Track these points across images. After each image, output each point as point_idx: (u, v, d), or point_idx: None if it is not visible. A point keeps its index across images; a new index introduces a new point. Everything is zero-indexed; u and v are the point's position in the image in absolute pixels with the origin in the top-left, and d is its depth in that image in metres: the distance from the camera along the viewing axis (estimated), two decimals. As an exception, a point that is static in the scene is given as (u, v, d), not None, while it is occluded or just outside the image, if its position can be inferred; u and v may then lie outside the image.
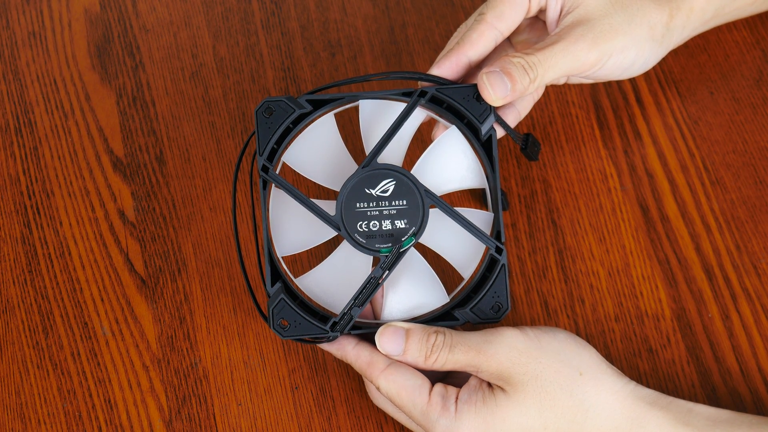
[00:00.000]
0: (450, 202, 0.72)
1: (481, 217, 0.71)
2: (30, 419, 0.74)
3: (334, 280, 0.70)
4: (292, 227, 0.70)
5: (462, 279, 0.71)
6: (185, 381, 0.75)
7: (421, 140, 0.78)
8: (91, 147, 0.82)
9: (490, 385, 0.67)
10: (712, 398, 0.74)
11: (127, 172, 0.81)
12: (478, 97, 0.70)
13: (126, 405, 0.74)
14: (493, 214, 0.71)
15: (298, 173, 0.71)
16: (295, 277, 0.70)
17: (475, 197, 0.79)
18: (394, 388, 0.67)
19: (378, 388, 0.68)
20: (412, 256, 0.70)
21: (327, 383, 0.75)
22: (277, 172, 0.70)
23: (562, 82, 0.76)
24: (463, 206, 0.76)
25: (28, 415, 0.74)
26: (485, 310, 0.69)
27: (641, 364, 0.75)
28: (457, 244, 0.70)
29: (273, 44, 0.85)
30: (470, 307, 0.69)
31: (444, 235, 0.70)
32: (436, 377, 0.70)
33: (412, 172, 0.70)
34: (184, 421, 0.74)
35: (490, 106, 0.70)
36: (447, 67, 0.71)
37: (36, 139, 0.82)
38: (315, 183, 0.73)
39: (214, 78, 0.84)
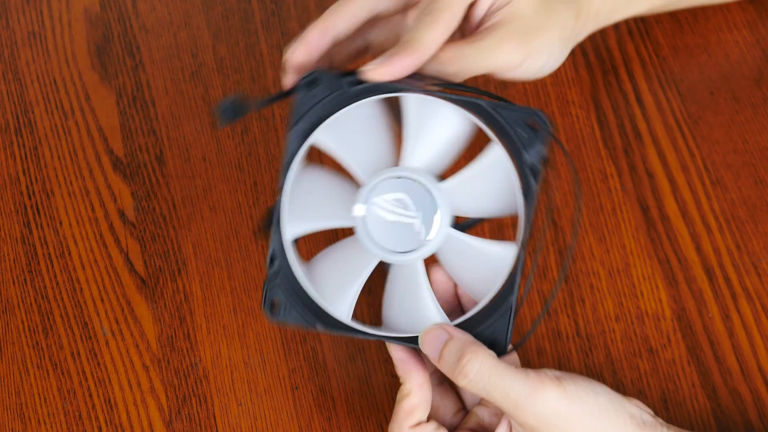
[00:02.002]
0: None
1: (501, 247, 0.66)
2: (30, 419, 0.74)
3: (335, 271, 0.67)
4: (306, 206, 0.66)
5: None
6: (185, 381, 0.75)
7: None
8: (91, 147, 0.82)
9: None
10: (713, 398, 0.74)
11: (127, 172, 0.81)
12: (533, 123, 0.64)
13: (126, 405, 0.74)
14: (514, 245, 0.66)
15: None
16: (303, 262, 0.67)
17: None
18: None
19: None
20: (418, 271, 0.67)
21: (327, 383, 0.75)
22: (302, 151, 0.65)
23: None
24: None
25: (28, 415, 0.74)
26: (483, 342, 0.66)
27: (641, 363, 0.75)
28: (473, 274, 0.67)
29: (273, 44, 0.85)
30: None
31: (455, 262, 0.67)
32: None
33: (445, 185, 0.66)
34: (184, 421, 0.74)
35: (542, 139, 0.64)
36: (401, 65, 0.66)
37: (36, 139, 0.82)
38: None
39: (214, 78, 0.84)
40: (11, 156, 0.82)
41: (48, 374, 0.75)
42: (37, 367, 0.75)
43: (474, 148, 0.67)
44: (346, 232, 0.68)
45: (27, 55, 0.85)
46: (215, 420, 0.74)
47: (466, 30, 0.72)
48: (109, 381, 0.75)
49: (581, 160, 0.80)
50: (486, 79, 0.82)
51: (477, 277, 0.67)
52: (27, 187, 0.81)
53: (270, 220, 0.66)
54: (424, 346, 0.65)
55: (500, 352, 0.65)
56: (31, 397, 0.75)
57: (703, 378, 0.74)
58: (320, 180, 0.67)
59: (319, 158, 0.71)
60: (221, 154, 0.81)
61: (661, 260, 0.77)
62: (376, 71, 0.65)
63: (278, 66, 0.84)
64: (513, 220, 0.78)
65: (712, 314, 0.76)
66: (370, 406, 0.74)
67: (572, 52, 0.83)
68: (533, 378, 0.63)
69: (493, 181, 0.66)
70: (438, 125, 0.66)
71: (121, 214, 0.80)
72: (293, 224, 0.66)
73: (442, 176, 0.66)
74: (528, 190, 0.64)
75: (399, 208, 0.65)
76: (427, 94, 0.66)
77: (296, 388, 0.75)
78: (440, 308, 0.67)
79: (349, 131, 0.66)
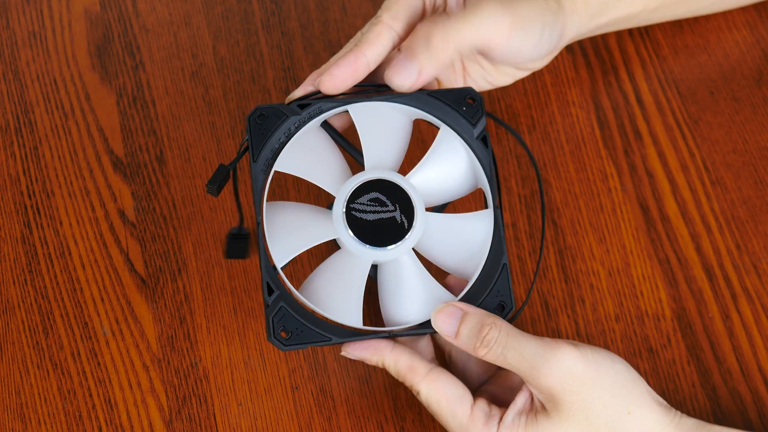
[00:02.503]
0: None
1: (478, 217, 0.70)
2: (30, 419, 0.74)
3: (333, 285, 0.69)
4: (286, 232, 0.70)
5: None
6: (185, 381, 0.75)
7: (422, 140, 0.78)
8: (91, 147, 0.82)
9: (533, 406, 0.66)
10: (713, 398, 0.74)
11: (127, 172, 0.81)
12: (472, 99, 0.70)
13: (126, 405, 0.74)
14: (490, 210, 0.70)
15: (295, 177, 0.71)
16: (294, 286, 0.69)
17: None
18: (435, 396, 0.66)
19: (418, 394, 0.67)
20: (406, 263, 0.70)
21: (327, 383, 0.75)
22: (269, 179, 0.69)
23: (469, 73, 0.75)
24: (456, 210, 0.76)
25: (28, 415, 0.74)
26: (489, 311, 0.69)
27: (641, 363, 0.75)
28: (455, 251, 0.70)
29: (273, 44, 0.85)
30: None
31: (440, 243, 0.70)
32: (484, 372, 0.70)
33: (411, 179, 0.69)
34: (184, 421, 0.74)
35: (482, 109, 0.70)
36: (345, 66, 0.69)
37: (36, 139, 0.82)
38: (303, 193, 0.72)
39: (214, 78, 0.84)
40: (11, 156, 0.82)
41: (48, 374, 0.75)
42: (37, 367, 0.75)
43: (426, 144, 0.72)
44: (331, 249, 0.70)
45: (27, 55, 0.85)
46: (215, 420, 0.74)
47: None
48: (109, 381, 0.75)
49: (581, 160, 0.80)
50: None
51: (464, 251, 0.70)
52: (27, 187, 0.81)
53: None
54: (439, 324, 0.66)
55: (510, 309, 0.68)
56: (31, 397, 0.75)
57: (703, 378, 0.74)
58: (291, 209, 0.71)
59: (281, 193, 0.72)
60: (221, 154, 0.81)
61: (661, 260, 0.77)
62: (323, 79, 0.69)
63: (278, 66, 0.84)
64: (513, 220, 0.79)
65: (712, 314, 0.76)
66: (370, 406, 0.74)
67: (572, 52, 0.84)
68: (549, 341, 0.65)
69: (450, 159, 0.70)
70: (384, 126, 0.70)
71: (122, 214, 0.80)
72: (281, 252, 0.68)
73: (402, 173, 0.70)
74: (484, 157, 0.70)
75: (377, 206, 0.68)
76: (369, 100, 0.70)
77: (296, 388, 0.75)
78: (443, 287, 0.69)
79: (303, 156, 0.70)
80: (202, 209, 0.80)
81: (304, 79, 0.83)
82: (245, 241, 0.76)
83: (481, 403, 0.66)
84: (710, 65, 0.83)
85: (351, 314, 0.68)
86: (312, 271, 0.69)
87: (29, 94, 0.84)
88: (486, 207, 0.70)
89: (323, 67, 0.72)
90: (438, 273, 0.71)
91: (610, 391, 0.65)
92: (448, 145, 0.70)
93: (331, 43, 0.85)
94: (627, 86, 0.83)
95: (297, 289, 0.68)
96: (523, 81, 0.83)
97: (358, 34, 0.73)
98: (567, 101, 0.82)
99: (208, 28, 0.86)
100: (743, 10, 0.84)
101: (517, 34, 0.71)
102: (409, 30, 0.71)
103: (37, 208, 0.80)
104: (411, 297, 0.69)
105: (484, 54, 0.73)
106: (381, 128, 0.71)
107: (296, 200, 0.79)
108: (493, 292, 0.68)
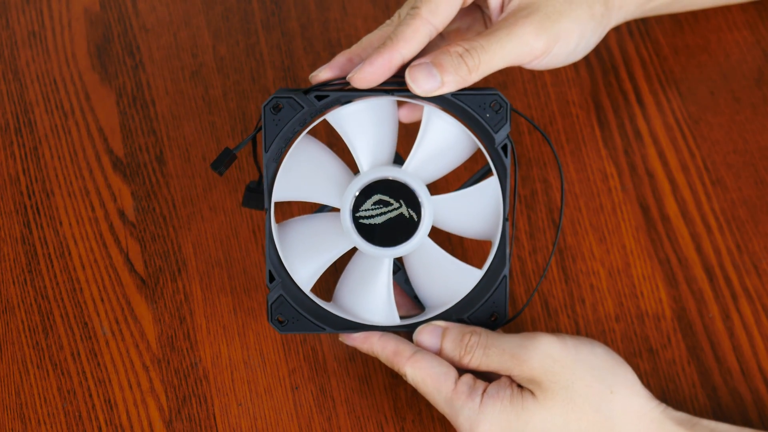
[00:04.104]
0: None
1: (484, 187, 0.69)
2: (30, 419, 0.74)
3: (362, 290, 0.70)
4: (304, 257, 0.70)
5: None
6: (185, 381, 0.75)
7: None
8: (91, 147, 0.82)
9: (520, 386, 0.67)
10: (713, 398, 0.74)
11: (127, 171, 0.81)
12: (497, 104, 0.68)
13: (126, 405, 0.74)
14: (495, 177, 0.69)
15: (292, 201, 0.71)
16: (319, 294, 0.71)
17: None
18: (420, 375, 0.68)
19: (404, 376, 0.69)
20: (428, 247, 0.70)
21: (327, 383, 0.75)
22: (273, 203, 0.69)
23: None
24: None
25: (28, 415, 0.74)
26: (482, 319, 0.70)
27: (642, 364, 0.75)
28: (471, 221, 0.70)
29: (273, 44, 0.85)
30: (468, 314, 0.69)
31: (456, 219, 0.70)
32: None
33: (410, 167, 0.69)
34: (184, 421, 0.74)
35: (507, 116, 0.68)
36: (380, 65, 0.67)
37: (36, 139, 0.82)
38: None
39: (214, 78, 0.84)
40: (11, 156, 0.82)
41: (48, 374, 0.75)
42: (37, 367, 0.75)
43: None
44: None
45: (27, 55, 0.85)
46: (215, 420, 0.74)
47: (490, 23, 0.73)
48: (109, 381, 0.75)
49: (581, 160, 0.80)
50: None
51: (480, 220, 0.70)
52: (27, 187, 0.81)
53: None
54: (422, 342, 0.69)
55: (502, 319, 0.70)
56: (31, 397, 0.75)
57: (703, 378, 0.74)
58: (301, 226, 0.71)
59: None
60: (221, 154, 0.81)
61: (661, 260, 0.77)
62: (356, 76, 0.67)
63: (278, 66, 0.84)
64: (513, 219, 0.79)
65: (712, 314, 0.76)
66: (370, 406, 0.74)
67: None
68: (527, 333, 0.68)
69: (442, 134, 0.69)
70: (368, 120, 0.69)
71: (121, 214, 0.80)
72: (305, 277, 0.70)
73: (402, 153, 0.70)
74: (502, 167, 0.68)
75: (382, 207, 0.68)
76: (390, 96, 0.68)
77: (296, 388, 0.75)
78: (466, 264, 0.70)
79: (298, 176, 0.70)
80: (202, 209, 0.80)
81: (305, 79, 0.84)
82: (262, 195, 0.75)
83: (466, 378, 0.68)
84: (710, 65, 0.83)
85: (384, 313, 0.70)
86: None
87: (29, 94, 0.84)
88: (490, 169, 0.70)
89: (354, 48, 0.70)
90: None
91: (591, 372, 0.67)
92: (435, 120, 0.68)
93: (331, 43, 0.85)
94: (627, 86, 0.83)
95: (328, 301, 0.71)
96: (523, 81, 0.83)
97: (395, 15, 0.71)
98: (567, 101, 0.82)
99: (208, 28, 0.86)
100: (744, 10, 0.84)
101: (555, 52, 0.70)
102: (446, 22, 0.69)
103: (37, 208, 0.80)
104: (438, 279, 0.70)
105: None
106: (367, 125, 0.69)
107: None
108: (488, 302, 0.69)
